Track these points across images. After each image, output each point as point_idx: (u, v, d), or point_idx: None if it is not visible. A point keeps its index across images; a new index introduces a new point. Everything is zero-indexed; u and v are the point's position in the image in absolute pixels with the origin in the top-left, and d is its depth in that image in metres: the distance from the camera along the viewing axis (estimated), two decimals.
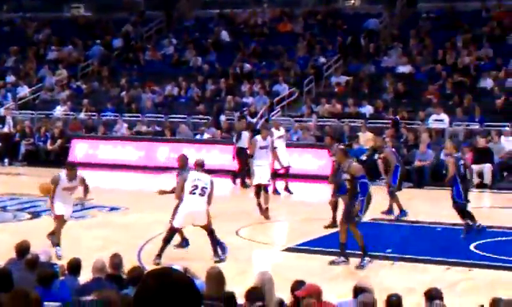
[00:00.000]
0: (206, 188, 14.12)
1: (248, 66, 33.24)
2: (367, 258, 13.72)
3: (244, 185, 23.64)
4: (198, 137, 28.50)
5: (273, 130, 22.25)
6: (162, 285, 3.16)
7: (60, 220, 14.68)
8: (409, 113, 27.34)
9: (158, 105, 32.00)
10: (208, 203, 14.16)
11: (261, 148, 19.11)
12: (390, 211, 18.73)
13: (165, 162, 26.96)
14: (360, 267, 13.63)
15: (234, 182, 24.31)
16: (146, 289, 3.19)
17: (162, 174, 25.89)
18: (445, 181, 16.94)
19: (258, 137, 19.48)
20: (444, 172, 17.71)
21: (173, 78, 33.15)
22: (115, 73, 35.26)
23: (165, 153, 27.73)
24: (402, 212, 18.59)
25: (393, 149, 19.82)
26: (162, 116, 30.60)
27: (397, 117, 26.96)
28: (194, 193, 14.04)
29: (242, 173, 23.89)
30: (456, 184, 16.43)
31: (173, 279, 3.19)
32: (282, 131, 23.07)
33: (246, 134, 24.04)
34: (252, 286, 8.38)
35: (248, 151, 20.87)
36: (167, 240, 14.12)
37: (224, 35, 36.26)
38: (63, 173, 14.79)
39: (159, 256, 13.85)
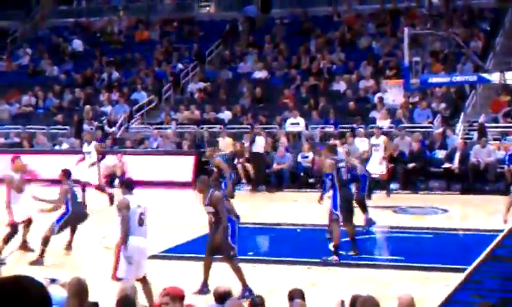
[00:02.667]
0: None
1: (105, 75, 33.08)
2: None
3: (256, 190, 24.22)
4: (56, 147, 28.16)
5: (373, 137, 22.85)
6: (6, 292, 3.01)
7: None
8: (267, 117, 27.87)
9: (15, 116, 31.44)
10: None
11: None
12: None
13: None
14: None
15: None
16: None
17: None
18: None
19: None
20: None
21: (29, 89, 32.63)
22: None
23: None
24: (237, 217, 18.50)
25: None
26: (20, 127, 30.10)
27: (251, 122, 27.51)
28: None
29: (257, 179, 24.48)
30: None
31: (20, 286, 3.05)
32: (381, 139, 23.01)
33: (261, 139, 24.48)
34: (121, 296, 8.45)
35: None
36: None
37: (77, 44, 35.95)
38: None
39: None
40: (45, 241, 15.11)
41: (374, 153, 22.83)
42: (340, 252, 14.86)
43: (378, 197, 21.30)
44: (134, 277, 11.14)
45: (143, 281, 11.44)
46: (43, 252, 15.05)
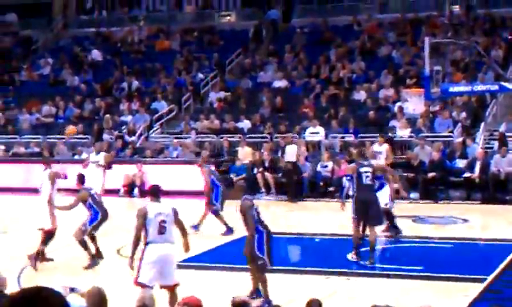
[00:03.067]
0: None
1: (125, 84, 33.21)
2: None
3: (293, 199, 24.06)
4: (76, 157, 28.24)
5: (375, 144, 22.77)
6: (27, 301, 3.10)
7: None
8: (287, 127, 27.83)
9: (35, 126, 31.61)
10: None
11: None
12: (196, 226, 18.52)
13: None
14: None
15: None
16: (11, 303, 3.10)
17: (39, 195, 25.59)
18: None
19: None
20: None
21: (50, 99, 32.78)
22: None
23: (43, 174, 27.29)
24: (229, 230, 18.16)
25: (212, 168, 19.87)
26: (40, 136, 30.25)
27: (271, 131, 27.53)
28: None
29: (291, 188, 24.43)
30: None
31: (40, 296, 3.13)
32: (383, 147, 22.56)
33: (292, 147, 24.59)
34: (138, 305, 8.46)
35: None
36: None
37: (96, 54, 36.12)
38: None
39: None
40: (83, 243, 15.41)
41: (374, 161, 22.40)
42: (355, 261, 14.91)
43: (398, 207, 21.18)
44: (157, 284, 11.19)
45: (171, 290, 11.37)
46: (90, 252, 15.44)
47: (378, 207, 15.68)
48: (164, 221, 11.32)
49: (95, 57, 36.07)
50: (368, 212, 15.40)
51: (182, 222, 11.72)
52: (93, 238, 15.81)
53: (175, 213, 11.52)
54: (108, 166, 21.67)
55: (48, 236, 15.69)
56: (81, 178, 16.03)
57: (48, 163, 17.27)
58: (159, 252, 11.27)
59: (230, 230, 18.06)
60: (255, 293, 12.49)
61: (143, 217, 11.34)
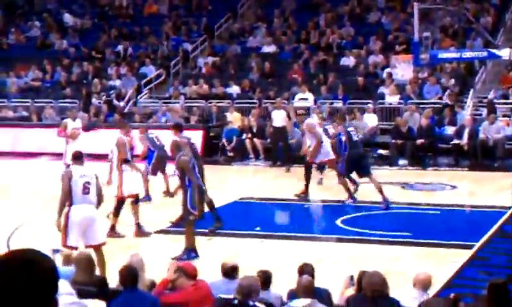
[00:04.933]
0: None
1: (113, 48, 33.07)
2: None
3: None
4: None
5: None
6: (14, 264, 3.06)
7: None
8: (276, 92, 27.77)
9: (23, 89, 31.46)
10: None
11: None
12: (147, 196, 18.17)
13: (32, 147, 26.65)
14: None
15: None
16: None
17: (29, 159, 25.64)
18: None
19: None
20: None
21: (38, 62, 32.62)
22: None
23: (32, 138, 27.28)
24: (148, 196, 18.05)
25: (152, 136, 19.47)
26: (28, 100, 30.13)
27: (260, 96, 27.44)
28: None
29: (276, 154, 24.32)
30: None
31: (28, 258, 3.09)
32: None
33: (280, 113, 24.22)
34: (124, 267, 8.47)
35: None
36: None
37: (68, 18, 35.91)
38: None
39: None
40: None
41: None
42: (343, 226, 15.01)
43: (386, 174, 21.23)
44: (83, 245, 11.69)
45: (96, 249, 11.65)
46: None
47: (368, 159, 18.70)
48: (88, 183, 11.83)
49: (67, 21, 35.84)
50: (361, 163, 17.86)
51: (100, 188, 12.22)
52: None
53: (97, 177, 12.09)
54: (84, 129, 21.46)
55: (119, 205, 15.16)
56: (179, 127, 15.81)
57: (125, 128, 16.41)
58: (83, 213, 11.70)
59: (148, 197, 17.98)
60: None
61: (68, 178, 11.82)
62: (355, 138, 18.06)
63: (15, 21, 37.37)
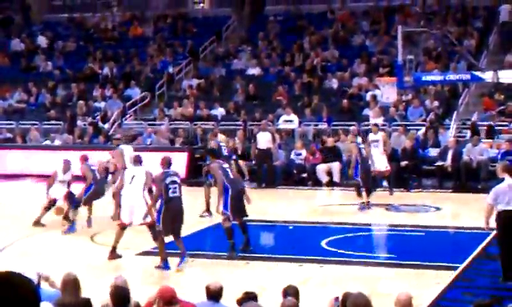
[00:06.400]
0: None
1: (100, 69, 33.09)
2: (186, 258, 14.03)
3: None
4: (47, 143, 28.07)
5: (371, 133, 22.57)
6: None
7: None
8: (261, 114, 27.82)
9: (8, 112, 31.41)
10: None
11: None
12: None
13: (17, 169, 26.61)
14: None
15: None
16: None
17: (13, 181, 25.58)
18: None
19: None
20: None
21: (22, 84, 32.60)
22: None
23: (17, 160, 27.23)
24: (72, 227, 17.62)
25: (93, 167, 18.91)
26: (13, 122, 30.09)
27: (245, 118, 27.49)
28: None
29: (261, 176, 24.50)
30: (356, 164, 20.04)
31: (9, 281, 3.10)
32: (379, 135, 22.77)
33: (266, 135, 24.28)
34: (114, 288, 8.44)
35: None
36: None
37: (42, 40, 35.95)
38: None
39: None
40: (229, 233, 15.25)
41: (374, 149, 22.23)
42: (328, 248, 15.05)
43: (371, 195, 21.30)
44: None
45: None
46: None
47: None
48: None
49: (41, 43, 35.90)
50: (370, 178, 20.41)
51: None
52: None
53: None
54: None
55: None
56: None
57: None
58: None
59: (72, 227, 17.59)
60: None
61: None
62: (364, 154, 20.24)
63: None
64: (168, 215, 13.89)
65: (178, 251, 13.99)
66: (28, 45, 36.19)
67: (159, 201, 14.03)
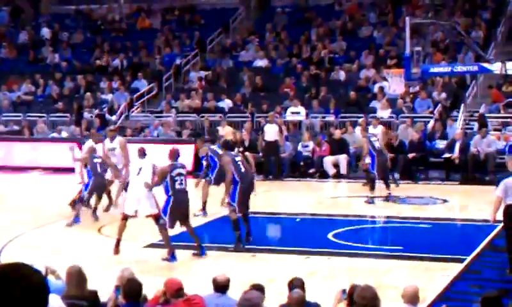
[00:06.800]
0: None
1: (106, 61, 33.10)
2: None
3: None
4: (55, 135, 28.08)
5: (370, 126, 22.91)
6: (5, 278, 3.07)
7: None
8: (268, 106, 27.80)
9: (15, 104, 31.45)
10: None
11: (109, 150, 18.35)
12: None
13: (24, 161, 26.64)
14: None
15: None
16: None
17: (21, 174, 25.61)
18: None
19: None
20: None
21: (30, 76, 32.63)
22: None
23: (24, 152, 27.26)
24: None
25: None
26: (20, 115, 30.12)
27: (252, 110, 27.48)
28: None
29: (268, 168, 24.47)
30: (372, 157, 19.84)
31: (19, 272, 3.11)
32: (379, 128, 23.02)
33: (272, 127, 24.25)
34: (125, 281, 8.44)
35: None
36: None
37: (45, 32, 35.97)
38: None
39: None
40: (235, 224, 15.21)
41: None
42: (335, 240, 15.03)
43: (377, 187, 21.26)
44: None
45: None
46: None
47: None
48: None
49: (44, 34, 35.93)
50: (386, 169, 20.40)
51: None
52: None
53: None
54: None
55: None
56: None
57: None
58: None
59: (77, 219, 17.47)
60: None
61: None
62: (377, 146, 20.03)
63: (7, 35, 37.35)
64: (176, 207, 13.92)
65: (191, 243, 14.11)
66: (32, 36, 36.22)
67: (165, 194, 13.99)
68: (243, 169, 15.07)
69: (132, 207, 14.44)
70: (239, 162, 15.14)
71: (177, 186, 13.92)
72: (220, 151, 17.09)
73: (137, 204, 14.39)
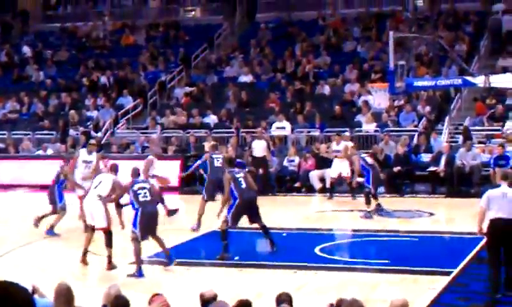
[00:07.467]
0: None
1: (90, 79, 33.07)
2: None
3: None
4: (40, 153, 28.00)
5: (333, 142, 23.52)
6: None
7: None
8: (253, 121, 27.84)
9: (0, 122, 31.38)
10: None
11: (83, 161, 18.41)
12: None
13: (9, 179, 26.56)
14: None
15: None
16: None
17: (7, 192, 25.52)
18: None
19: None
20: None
21: (14, 94, 32.57)
22: None
23: (9, 170, 27.18)
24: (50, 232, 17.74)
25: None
26: (5, 132, 30.04)
27: (238, 125, 27.49)
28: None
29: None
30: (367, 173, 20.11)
31: (6, 291, 3.13)
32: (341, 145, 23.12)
33: (261, 143, 24.26)
34: (112, 298, 8.42)
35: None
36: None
37: (26, 50, 35.95)
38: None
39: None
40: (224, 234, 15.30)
41: (335, 159, 23.13)
42: (322, 255, 15.01)
43: (363, 201, 21.30)
44: None
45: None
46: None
47: None
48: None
49: (26, 52, 35.90)
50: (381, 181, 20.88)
51: None
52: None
53: None
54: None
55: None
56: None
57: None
58: None
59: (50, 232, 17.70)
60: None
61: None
62: (370, 162, 20.34)
63: None
64: (144, 219, 14.07)
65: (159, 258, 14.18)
66: (12, 54, 36.17)
67: (132, 209, 14.17)
68: (244, 185, 15.39)
69: (88, 220, 14.86)
70: (240, 179, 15.47)
71: (141, 198, 14.14)
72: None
73: (91, 218, 14.74)
